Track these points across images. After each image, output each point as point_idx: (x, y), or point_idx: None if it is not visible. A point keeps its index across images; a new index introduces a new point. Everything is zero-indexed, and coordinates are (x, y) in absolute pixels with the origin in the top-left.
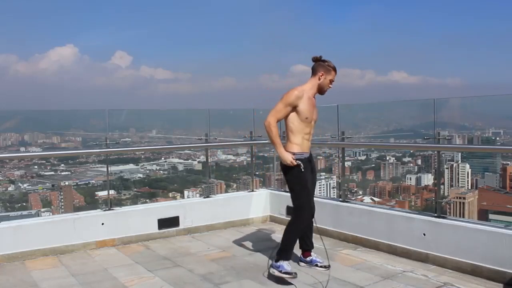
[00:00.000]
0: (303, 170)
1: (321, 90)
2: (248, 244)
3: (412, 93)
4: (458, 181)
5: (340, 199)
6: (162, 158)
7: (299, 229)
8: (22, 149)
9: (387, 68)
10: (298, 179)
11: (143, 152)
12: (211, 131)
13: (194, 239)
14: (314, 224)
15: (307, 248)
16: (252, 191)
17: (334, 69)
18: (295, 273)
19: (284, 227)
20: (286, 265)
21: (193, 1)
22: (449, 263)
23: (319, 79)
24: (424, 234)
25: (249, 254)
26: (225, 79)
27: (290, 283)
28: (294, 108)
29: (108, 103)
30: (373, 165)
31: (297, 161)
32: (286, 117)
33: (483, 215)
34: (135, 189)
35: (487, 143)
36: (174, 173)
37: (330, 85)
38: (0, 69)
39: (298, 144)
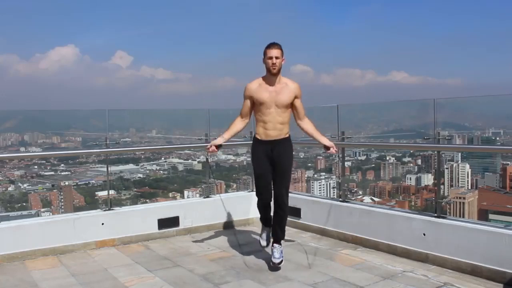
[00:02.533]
0: (208, 149)
1: (268, 71)
2: (248, 244)
3: (412, 93)
4: (458, 181)
5: (340, 199)
6: (162, 158)
7: (258, 204)
8: (22, 149)
9: (388, 68)
10: (252, 164)
11: (143, 152)
12: (211, 131)
13: (194, 239)
14: (283, 217)
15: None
16: (252, 191)
17: (266, 47)
18: (266, 246)
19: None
20: (262, 234)
21: (194, 1)
22: (449, 263)
23: (263, 63)
24: (424, 234)
25: (249, 254)
26: (225, 79)
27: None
28: (253, 100)
29: (108, 103)
30: (373, 165)
31: (211, 148)
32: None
33: (483, 215)
34: (135, 189)
35: (487, 143)
36: (174, 173)
37: (270, 61)
38: (0, 69)
39: (258, 132)
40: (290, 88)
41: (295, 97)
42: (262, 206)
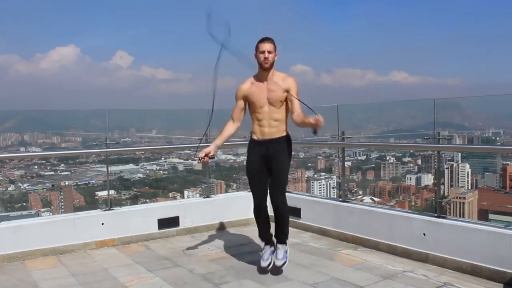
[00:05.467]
0: (196, 159)
1: (261, 66)
2: (248, 244)
3: (412, 93)
4: (458, 181)
5: (340, 199)
6: (162, 158)
7: (254, 211)
8: (22, 149)
9: (388, 68)
10: (247, 167)
11: (143, 152)
12: (211, 131)
13: (194, 239)
14: (282, 217)
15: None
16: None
17: (259, 41)
18: (267, 267)
19: None
20: (264, 252)
21: (194, 1)
22: (449, 263)
23: (255, 58)
24: (424, 234)
25: (249, 254)
26: (225, 79)
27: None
28: (247, 100)
29: (108, 103)
30: (373, 165)
31: (203, 154)
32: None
33: (483, 215)
34: (135, 189)
35: (487, 143)
36: (174, 173)
37: (262, 55)
38: (1, 69)
39: (254, 131)
40: (282, 82)
41: (287, 90)
42: (256, 212)
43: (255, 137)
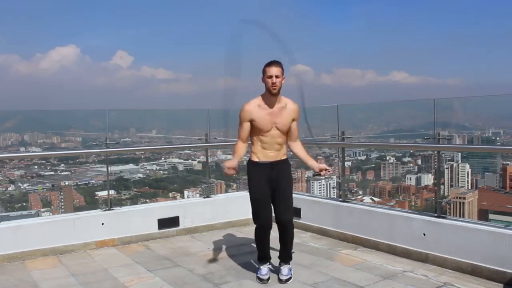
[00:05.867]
0: (227, 174)
1: (268, 91)
2: (248, 244)
3: (412, 93)
4: (458, 181)
5: (340, 199)
6: (162, 158)
7: (255, 236)
8: (22, 149)
9: (388, 68)
10: (249, 188)
11: (143, 152)
12: (211, 131)
13: (194, 239)
14: (287, 234)
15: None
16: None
17: (266, 65)
18: (266, 280)
19: None
20: (262, 268)
21: (194, 1)
22: (449, 263)
23: (263, 82)
24: (424, 234)
25: (249, 254)
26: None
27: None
28: (252, 122)
29: (108, 103)
30: (373, 165)
31: (230, 171)
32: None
33: (483, 215)
34: (135, 189)
35: (487, 143)
36: (174, 173)
37: (270, 80)
38: (1, 69)
39: (255, 152)
40: (289, 110)
41: (293, 120)
42: (261, 234)
43: (256, 159)
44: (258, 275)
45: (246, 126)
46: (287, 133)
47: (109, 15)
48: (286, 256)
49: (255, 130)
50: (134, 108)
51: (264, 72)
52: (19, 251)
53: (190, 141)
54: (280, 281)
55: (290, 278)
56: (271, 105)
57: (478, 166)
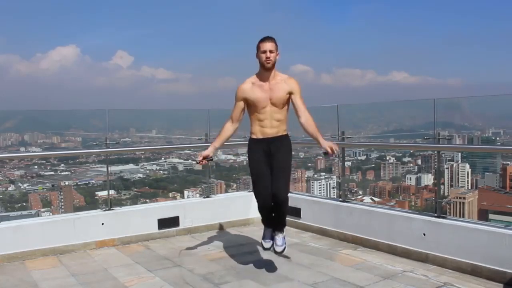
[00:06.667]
0: (197, 162)
1: (262, 66)
2: (248, 244)
3: (412, 93)
4: (458, 181)
5: (340, 199)
6: (162, 158)
7: (259, 210)
8: (22, 149)
9: (388, 68)
10: (250, 167)
11: (143, 152)
12: (211, 131)
13: (194, 239)
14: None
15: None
16: (252, 191)
17: (260, 41)
18: (268, 248)
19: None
20: (265, 233)
21: (194, 1)
22: (449, 263)
23: (257, 58)
24: (424, 234)
25: (249, 254)
26: (225, 79)
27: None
28: (247, 101)
29: (108, 103)
30: (373, 165)
31: (201, 160)
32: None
33: (483, 215)
34: (135, 189)
35: (487, 143)
36: (174, 173)
37: (264, 55)
38: (1, 69)
39: (254, 131)
40: (284, 84)
41: (291, 93)
42: (264, 211)
43: (254, 136)
44: (263, 240)
45: (239, 105)
46: (287, 109)
47: (109, 15)
48: (280, 224)
49: (252, 108)
50: (134, 108)
51: (258, 48)
52: (19, 251)
53: (190, 141)
54: (276, 252)
55: (284, 248)
56: (265, 81)
57: (478, 166)
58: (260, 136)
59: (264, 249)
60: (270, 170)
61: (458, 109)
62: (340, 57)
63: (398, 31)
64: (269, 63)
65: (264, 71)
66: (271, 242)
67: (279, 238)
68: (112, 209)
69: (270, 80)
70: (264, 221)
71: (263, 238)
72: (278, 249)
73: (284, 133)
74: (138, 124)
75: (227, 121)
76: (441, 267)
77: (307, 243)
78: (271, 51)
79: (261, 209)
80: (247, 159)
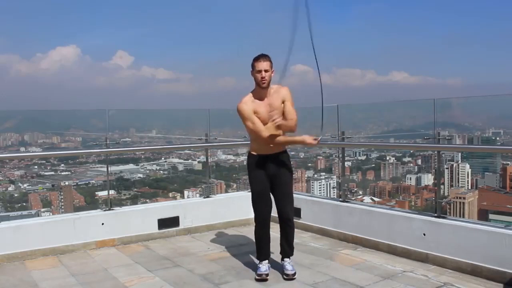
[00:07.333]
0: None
1: (258, 85)
2: (248, 244)
3: (412, 93)
4: (458, 181)
5: (340, 199)
6: (162, 158)
7: (255, 230)
8: (22, 149)
9: (388, 68)
10: (251, 185)
11: (143, 152)
12: (211, 131)
13: (194, 239)
14: (289, 229)
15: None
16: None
17: (254, 59)
18: (265, 276)
19: None
20: (261, 265)
21: (194, 1)
22: (449, 263)
23: (252, 76)
24: (424, 234)
25: (249, 254)
26: (225, 79)
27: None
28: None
29: (108, 103)
30: (373, 165)
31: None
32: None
33: (483, 215)
34: (135, 189)
35: (487, 143)
36: (174, 173)
37: (259, 75)
38: (1, 69)
39: (253, 148)
40: (277, 94)
41: (284, 100)
42: (260, 228)
43: (254, 152)
44: (258, 272)
45: (255, 117)
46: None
47: (109, 15)
48: (288, 248)
49: None
50: (134, 108)
51: (253, 66)
52: (19, 251)
53: (190, 141)
54: (287, 276)
55: (295, 273)
56: (263, 99)
57: (478, 166)
58: (260, 153)
59: (259, 276)
60: (271, 185)
61: (458, 109)
62: (340, 57)
63: (398, 31)
64: (264, 83)
65: (260, 90)
66: (268, 271)
67: (288, 264)
68: (112, 209)
69: (267, 97)
70: (259, 248)
71: (259, 269)
72: (289, 272)
73: (283, 149)
74: (138, 124)
75: (264, 133)
76: (441, 267)
77: (307, 243)
78: (266, 71)
79: (261, 227)
80: (247, 174)
